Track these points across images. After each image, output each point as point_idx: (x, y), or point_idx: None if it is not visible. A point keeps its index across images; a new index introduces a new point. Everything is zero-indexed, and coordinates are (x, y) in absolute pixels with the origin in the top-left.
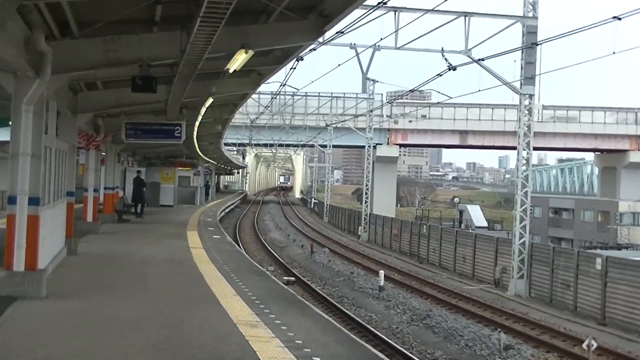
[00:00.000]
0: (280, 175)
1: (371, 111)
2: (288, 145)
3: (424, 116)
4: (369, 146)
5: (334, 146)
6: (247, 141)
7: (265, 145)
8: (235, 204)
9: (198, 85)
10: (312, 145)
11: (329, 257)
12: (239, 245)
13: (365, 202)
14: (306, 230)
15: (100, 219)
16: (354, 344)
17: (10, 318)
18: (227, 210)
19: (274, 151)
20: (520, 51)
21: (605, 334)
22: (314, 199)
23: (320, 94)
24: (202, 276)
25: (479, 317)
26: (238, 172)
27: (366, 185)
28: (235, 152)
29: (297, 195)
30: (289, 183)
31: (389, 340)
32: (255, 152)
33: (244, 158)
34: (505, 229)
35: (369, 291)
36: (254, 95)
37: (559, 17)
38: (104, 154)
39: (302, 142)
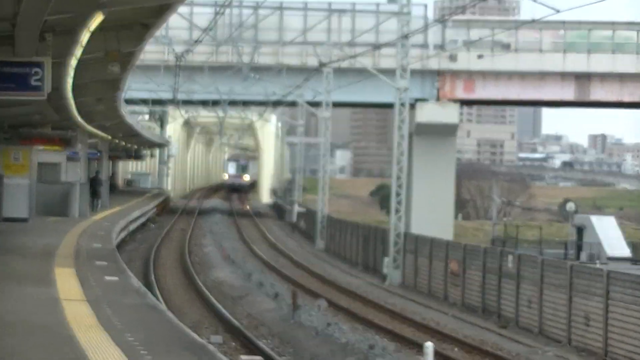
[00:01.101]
0: (230, 160)
1: (406, 37)
2: (247, 104)
3: (506, 46)
4: (402, 104)
5: (335, 105)
6: (170, 96)
7: (205, 103)
8: (149, 215)
9: None
10: (294, 104)
11: (327, 317)
12: (154, 293)
13: (397, 211)
14: (283, 264)
15: None
16: None
17: None
18: (132, 228)
19: (220, 115)
20: None
21: None
22: (298, 205)
23: (309, 6)
24: (86, 355)
25: None
26: (152, 156)
27: (398, 179)
28: (146, 118)
29: (265, 198)
30: (246, 176)
31: None
32: (185, 115)
33: (163, 128)
34: None
35: None
36: (182, 10)
37: None
38: None
39: (274, 98)
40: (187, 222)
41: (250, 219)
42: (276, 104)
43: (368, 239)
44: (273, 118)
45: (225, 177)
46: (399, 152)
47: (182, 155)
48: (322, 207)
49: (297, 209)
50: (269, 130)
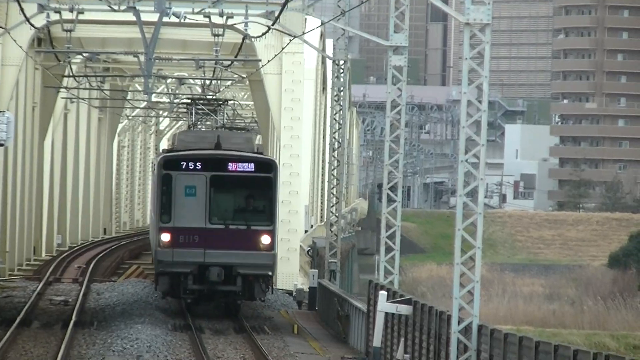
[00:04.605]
0: (172, 157)
1: None
2: None
3: None
4: None
5: None
6: None
7: None
8: None
9: None
10: None
11: None
12: None
13: None
14: None
15: None
16: None
17: None
18: None
19: (148, 18)
20: None
21: None
22: (392, 297)
23: None
24: None
25: None
26: None
27: None
28: None
29: (291, 269)
30: (265, 235)
31: None
32: (42, 20)
33: None
34: None
35: None
36: None
37: None
38: None
39: None
40: None
41: (245, 343)
42: None
43: None
44: (312, 28)
45: (165, 238)
46: None
47: (30, 142)
48: (468, 303)
49: (385, 306)
50: (298, 64)
